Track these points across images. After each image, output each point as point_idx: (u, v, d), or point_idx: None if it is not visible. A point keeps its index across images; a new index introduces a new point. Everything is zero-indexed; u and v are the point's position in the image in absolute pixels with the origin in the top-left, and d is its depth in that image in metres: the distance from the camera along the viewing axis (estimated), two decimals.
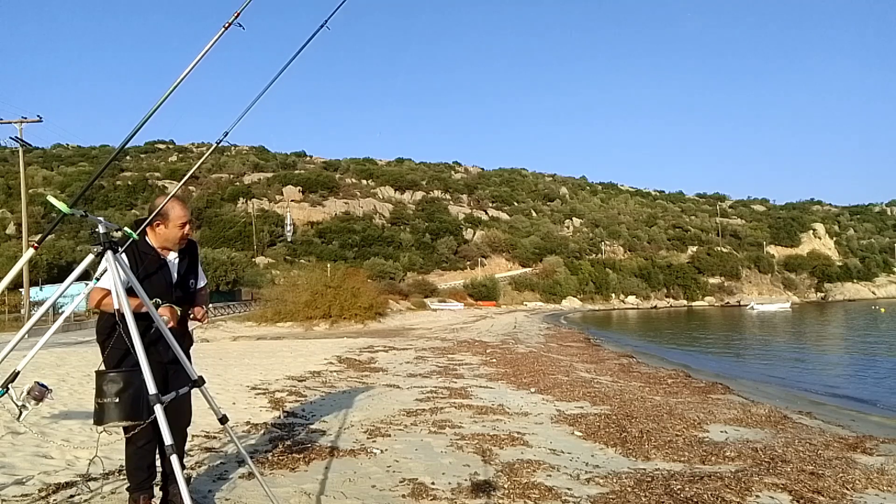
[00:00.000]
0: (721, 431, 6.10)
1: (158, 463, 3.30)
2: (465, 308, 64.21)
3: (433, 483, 3.96)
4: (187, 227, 3.12)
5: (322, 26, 3.77)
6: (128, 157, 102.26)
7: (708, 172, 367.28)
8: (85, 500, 3.46)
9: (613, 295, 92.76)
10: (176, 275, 3.15)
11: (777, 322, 43.01)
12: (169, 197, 3.22)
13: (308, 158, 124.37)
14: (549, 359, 14.48)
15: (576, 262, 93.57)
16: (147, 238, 3.10)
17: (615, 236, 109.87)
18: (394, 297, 52.87)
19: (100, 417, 2.53)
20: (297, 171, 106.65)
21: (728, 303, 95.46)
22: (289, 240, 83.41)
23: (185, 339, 3.25)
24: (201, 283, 3.38)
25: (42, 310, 2.72)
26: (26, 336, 2.56)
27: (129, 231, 3.12)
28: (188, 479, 3.61)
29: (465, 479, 4.06)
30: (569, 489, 3.93)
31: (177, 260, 3.17)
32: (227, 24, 3.23)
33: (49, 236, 3.68)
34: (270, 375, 9.83)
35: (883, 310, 54.97)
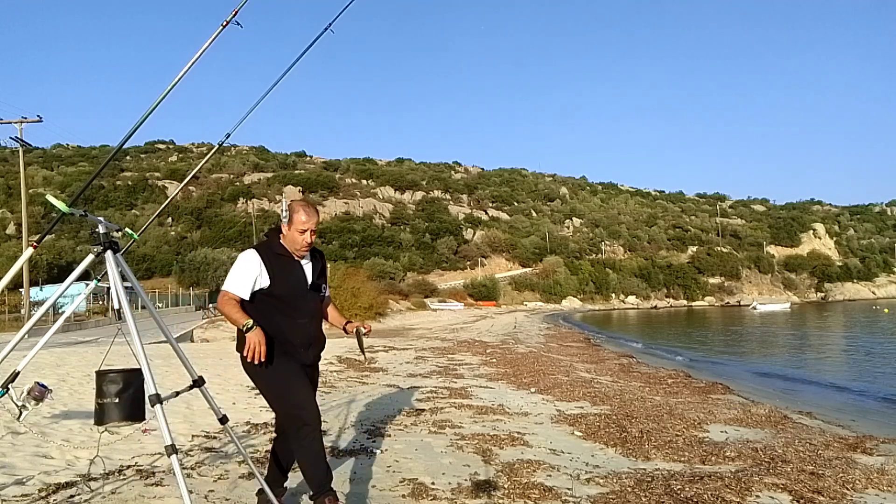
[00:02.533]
0: (721, 431, 6.10)
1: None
2: (465, 308, 64.22)
3: (433, 483, 3.96)
4: (308, 234, 3.04)
5: (326, 29, 3.77)
6: (128, 157, 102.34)
7: (708, 172, 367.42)
8: (85, 501, 3.45)
9: (613, 295, 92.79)
10: (310, 277, 3.15)
11: (783, 323, 42.64)
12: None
13: (308, 158, 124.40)
14: (549, 359, 14.48)
15: (576, 262, 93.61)
16: (280, 239, 3.09)
17: (615, 236, 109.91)
18: (394, 297, 52.88)
19: (100, 418, 2.53)
20: (297, 171, 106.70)
21: (728, 303, 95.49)
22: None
23: (320, 340, 3.29)
24: (326, 291, 3.35)
25: (42, 310, 2.72)
26: (26, 336, 2.56)
27: (129, 231, 3.12)
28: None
29: (466, 479, 4.06)
30: (569, 489, 3.93)
31: (310, 265, 3.17)
32: (225, 22, 3.23)
33: (49, 236, 3.67)
34: None
35: (887, 310, 52.86)
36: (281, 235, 3.10)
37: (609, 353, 17.95)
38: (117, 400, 2.50)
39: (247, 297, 2.98)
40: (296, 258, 3.09)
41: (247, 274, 2.98)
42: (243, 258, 3.03)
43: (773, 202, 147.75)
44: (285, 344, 3.01)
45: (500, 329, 29.95)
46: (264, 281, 3.00)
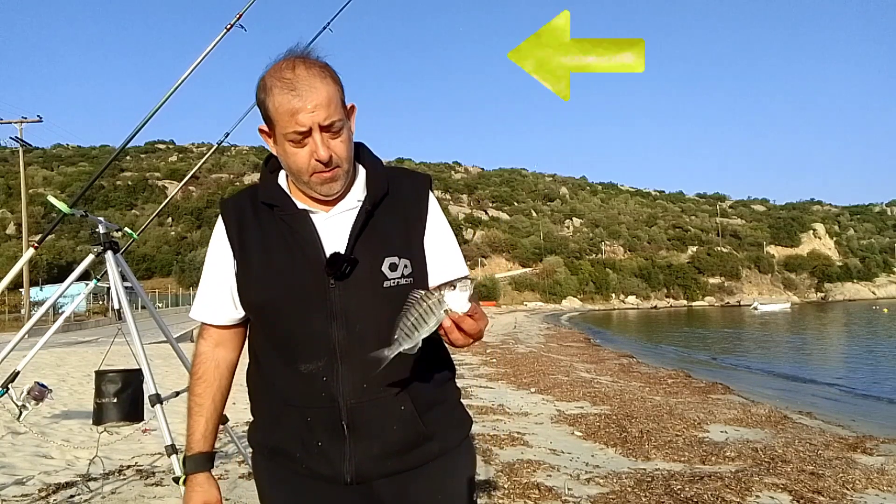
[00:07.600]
0: (721, 431, 6.10)
1: None
2: None
3: None
4: (319, 140, 1.19)
5: (324, 28, 3.77)
6: (128, 157, 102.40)
7: (708, 172, 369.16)
8: (85, 501, 3.45)
9: (613, 295, 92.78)
10: (343, 244, 1.25)
11: (785, 325, 42.01)
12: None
13: None
14: (549, 359, 14.48)
15: (576, 262, 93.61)
16: (280, 178, 1.35)
17: (615, 236, 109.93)
18: None
19: (98, 418, 2.54)
20: None
21: (728, 303, 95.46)
22: None
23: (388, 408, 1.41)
24: (452, 267, 1.40)
25: (42, 310, 2.72)
26: (26, 336, 2.56)
27: (129, 231, 3.12)
28: None
29: None
30: (569, 489, 3.93)
31: (355, 212, 1.28)
32: (229, 26, 3.23)
33: (49, 236, 3.68)
34: None
35: (886, 310, 52.82)
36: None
37: (609, 353, 17.95)
38: (115, 400, 2.51)
39: (217, 322, 1.44)
40: (304, 207, 1.30)
41: (207, 271, 1.44)
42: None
43: (773, 202, 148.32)
44: (275, 431, 1.41)
45: (500, 329, 29.94)
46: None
